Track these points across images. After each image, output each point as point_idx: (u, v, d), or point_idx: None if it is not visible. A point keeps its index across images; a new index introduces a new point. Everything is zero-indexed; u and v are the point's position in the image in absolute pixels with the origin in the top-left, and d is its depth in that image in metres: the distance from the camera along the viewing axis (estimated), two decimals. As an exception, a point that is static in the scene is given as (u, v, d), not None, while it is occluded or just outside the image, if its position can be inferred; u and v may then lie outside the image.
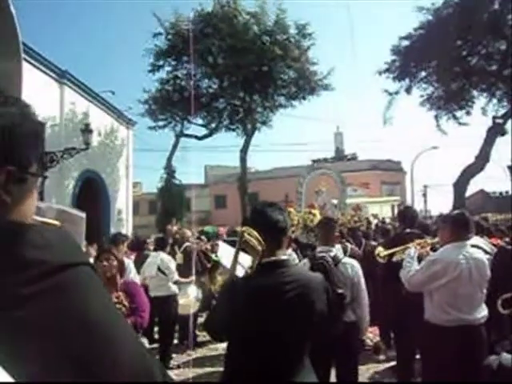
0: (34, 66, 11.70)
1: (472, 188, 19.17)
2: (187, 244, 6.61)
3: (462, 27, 13.99)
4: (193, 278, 5.75)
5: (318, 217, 9.15)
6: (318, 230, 3.68)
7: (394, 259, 3.70)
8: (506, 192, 25.67)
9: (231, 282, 2.09)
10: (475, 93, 16.91)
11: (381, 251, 3.82)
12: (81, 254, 0.72)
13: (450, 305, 2.99)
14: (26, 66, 10.33)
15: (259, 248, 1.89)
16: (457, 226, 3.14)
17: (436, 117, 17.73)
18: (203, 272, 6.12)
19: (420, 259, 3.41)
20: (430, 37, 15.35)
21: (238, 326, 1.89)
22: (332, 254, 3.35)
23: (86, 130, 12.44)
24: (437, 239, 3.59)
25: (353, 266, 3.35)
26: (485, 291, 3.11)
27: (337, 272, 3.23)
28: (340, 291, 3.22)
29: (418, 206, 30.41)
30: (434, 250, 3.53)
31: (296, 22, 15.75)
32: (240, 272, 2.32)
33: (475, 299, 3.05)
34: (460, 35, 14.72)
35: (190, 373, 5.06)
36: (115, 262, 3.36)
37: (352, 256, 5.41)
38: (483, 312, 3.07)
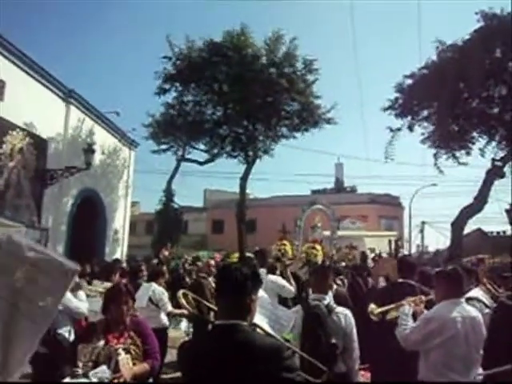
0: (42, 83, 11.89)
1: (470, 226, 19.17)
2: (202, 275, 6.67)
3: (464, 71, 14.28)
4: (185, 311, 5.68)
5: (321, 253, 9.15)
6: (312, 277, 3.64)
7: (388, 317, 3.64)
8: (504, 232, 25.62)
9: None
10: (475, 134, 17.10)
11: (373, 309, 3.74)
12: None
13: (445, 365, 2.93)
14: (33, 84, 10.43)
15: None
16: (451, 282, 3.10)
17: (435, 155, 17.87)
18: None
19: (414, 317, 3.36)
20: (432, 77, 15.66)
21: None
22: (326, 302, 3.32)
23: (89, 150, 12.56)
24: (431, 297, 3.54)
25: (346, 316, 3.30)
26: (481, 352, 3.04)
27: (330, 322, 3.20)
28: (333, 341, 3.18)
29: (415, 242, 30.42)
30: (427, 307, 3.47)
31: (304, 56, 16.07)
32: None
33: (471, 360, 2.99)
34: (462, 78, 15.00)
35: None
36: (131, 303, 3.20)
37: (337, 296, 5.37)
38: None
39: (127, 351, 2.94)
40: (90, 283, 5.48)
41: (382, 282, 7.04)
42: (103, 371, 2.73)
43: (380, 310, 3.68)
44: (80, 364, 2.80)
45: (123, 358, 2.85)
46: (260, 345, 1.80)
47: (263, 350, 1.77)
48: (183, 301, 2.15)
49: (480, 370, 3.07)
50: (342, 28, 66.03)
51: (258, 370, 1.71)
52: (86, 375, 2.72)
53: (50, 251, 1.63)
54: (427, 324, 3.05)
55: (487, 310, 4.05)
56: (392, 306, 3.58)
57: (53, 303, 1.62)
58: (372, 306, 3.77)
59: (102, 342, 2.93)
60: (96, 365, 2.80)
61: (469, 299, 3.87)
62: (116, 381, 2.71)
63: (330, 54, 58.19)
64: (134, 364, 2.92)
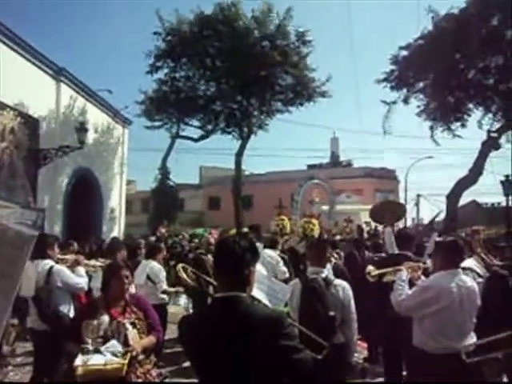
0: (32, 62, 11.63)
1: (465, 198, 19.31)
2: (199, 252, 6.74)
3: (461, 41, 14.08)
4: (180, 288, 5.74)
5: (317, 227, 9.25)
6: (309, 251, 3.66)
7: (385, 279, 3.70)
8: (498, 203, 25.79)
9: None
10: (471, 106, 17.02)
11: (371, 270, 3.82)
12: None
13: (440, 332, 2.99)
14: (23, 62, 10.18)
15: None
16: (449, 253, 3.14)
17: (431, 128, 17.82)
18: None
19: (411, 283, 3.42)
20: (428, 48, 15.44)
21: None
22: (323, 275, 3.35)
23: (82, 129, 12.40)
24: (428, 264, 3.59)
25: (344, 288, 3.34)
26: (474, 320, 3.11)
27: (328, 294, 3.24)
28: (331, 314, 3.23)
29: (411, 215, 30.64)
30: (425, 274, 3.53)
31: (296, 28, 15.78)
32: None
33: (465, 328, 3.05)
34: (458, 48, 14.81)
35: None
36: (131, 278, 3.24)
37: (334, 269, 5.44)
38: (472, 340, 3.07)
39: (134, 325, 3.00)
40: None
41: (388, 233, 6.27)
42: (114, 345, 2.79)
43: (378, 271, 3.75)
44: (89, 340, 2.82)
45: (131, 332, 2.91)
46: (260, 315, 1.84)
47: (263, 319, 1.81)
48: (183, 274, 2.16)
49: (474, 339, 3.14)
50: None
51: (259, 339, 1.75)
52: (98, 351, 2.75)
53: (4, 220, 1.61)
54: (423, 292, 3.10)
55: (480, 280, 4.14)
56: (390, 269, 3.64)
57: (17, 274, 1.61)
58: (370, 267, 3.84)
59: (106, 318, 2.96)
60: (105, 340, 2.83)
61: (462, 269, 3.94)
62: (129, 354, 2.77)
63: (324, 27, 57.17)
64: (140, 338, 2.99)
